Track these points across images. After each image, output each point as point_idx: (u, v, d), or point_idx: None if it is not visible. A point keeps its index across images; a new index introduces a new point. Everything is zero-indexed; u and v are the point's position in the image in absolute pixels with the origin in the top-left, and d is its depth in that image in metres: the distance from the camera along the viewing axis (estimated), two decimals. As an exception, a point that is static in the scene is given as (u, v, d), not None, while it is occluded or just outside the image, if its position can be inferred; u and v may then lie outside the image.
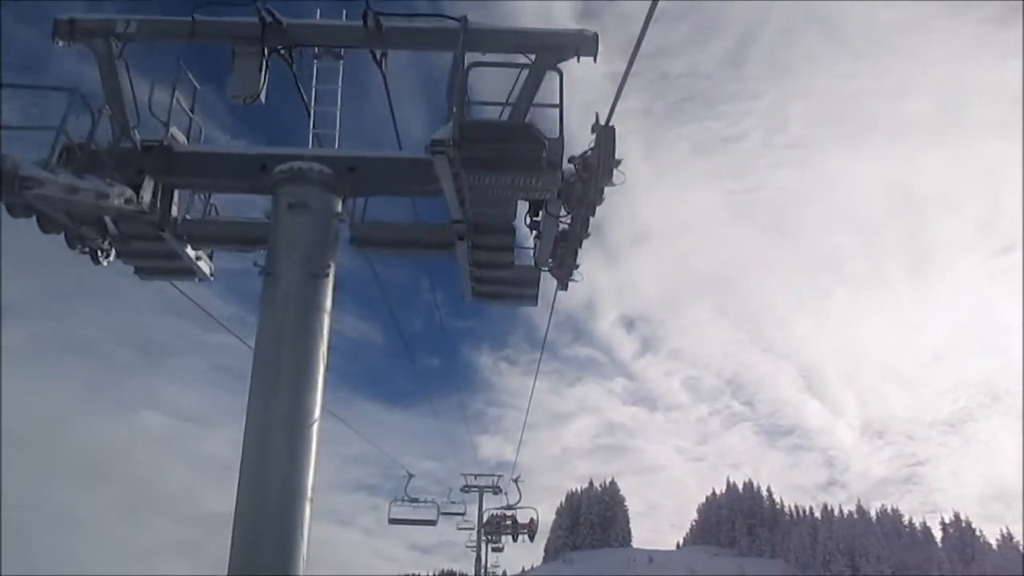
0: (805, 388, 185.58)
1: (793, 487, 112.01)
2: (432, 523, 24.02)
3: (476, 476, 33.06)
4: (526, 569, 73.46)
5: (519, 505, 26.87)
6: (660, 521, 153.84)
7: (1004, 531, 61.48)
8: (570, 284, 5.64)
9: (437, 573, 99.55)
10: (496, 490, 32.09)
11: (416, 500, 23.09)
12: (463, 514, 29.10)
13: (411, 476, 23.35)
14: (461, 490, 32.03)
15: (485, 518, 31.26)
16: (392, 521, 22.99)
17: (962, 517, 62.40)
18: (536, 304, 6.33)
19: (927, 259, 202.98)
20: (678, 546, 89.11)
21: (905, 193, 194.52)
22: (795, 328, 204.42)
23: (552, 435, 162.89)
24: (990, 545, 59.68)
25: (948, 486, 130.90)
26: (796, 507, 78.28)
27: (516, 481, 26.43)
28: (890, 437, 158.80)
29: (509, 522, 28.42)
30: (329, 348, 4.63)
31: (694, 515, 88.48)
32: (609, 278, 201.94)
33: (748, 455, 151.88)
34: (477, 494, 32.26)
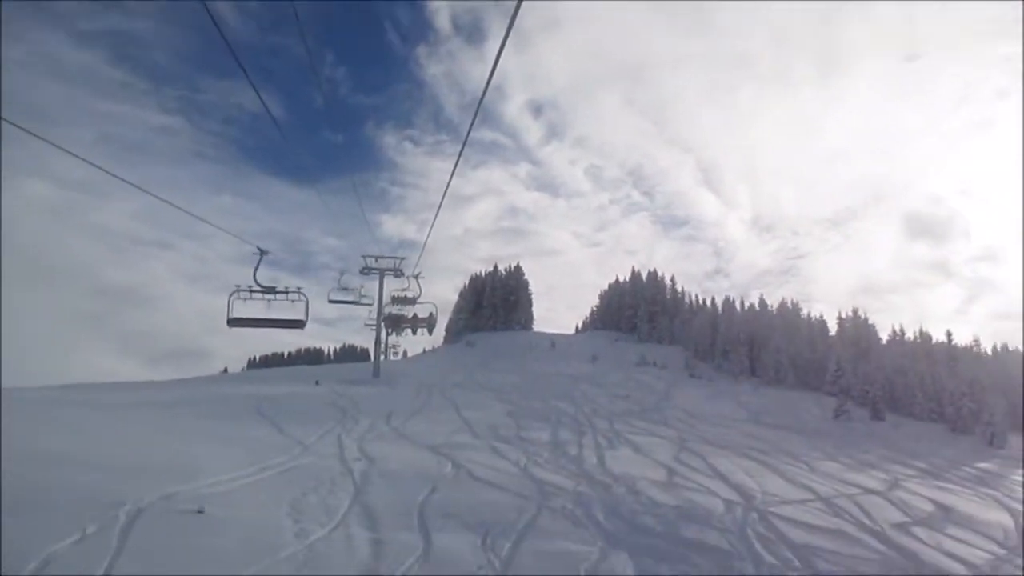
0: (703, 181, 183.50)
1: (682, 274, 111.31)
2: (356, 304, 29.74)
3: (376, 259, 33.16)
4: (427, 350, 67.14)
5: (419, 300, 26.30)
6: (557, 303, 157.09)
7: (897, 327, 55.74)
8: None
9: (340, 346, 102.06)
10: (397, 273, 32.09)
11: (346, 289, 28.12)
12: (371, 304, 32.34)
13: (343, 273, 28.51)
14: (361, 272, 32.91)
15: (386, 312, 31.65)
16: (331, 302, 27.70)
17: (860, 313, 56.48)
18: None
19: (836, 62, 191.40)
20: (577, 329, 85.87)
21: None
22: (700, 122, 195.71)
23: (455, 216, 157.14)
24: (880, 340, 54.79)
25: (823, 278, 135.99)
26: (697, 297, 73.62)
27: (416, 277, 25.70)
28: (777, 231, 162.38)
29: (409, 316, 28.49)
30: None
31: (592, 300, 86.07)
32: (519, 63, 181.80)
33: (643, 243, 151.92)
34: (378, 276, 33.37)
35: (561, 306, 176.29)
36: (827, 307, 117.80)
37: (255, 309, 13.15)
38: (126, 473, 9.50)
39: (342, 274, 28.97)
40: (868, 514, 12.82)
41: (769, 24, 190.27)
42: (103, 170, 7.75)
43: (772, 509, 11.97)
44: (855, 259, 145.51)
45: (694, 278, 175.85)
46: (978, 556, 10.72)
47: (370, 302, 31.77)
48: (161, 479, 9.36)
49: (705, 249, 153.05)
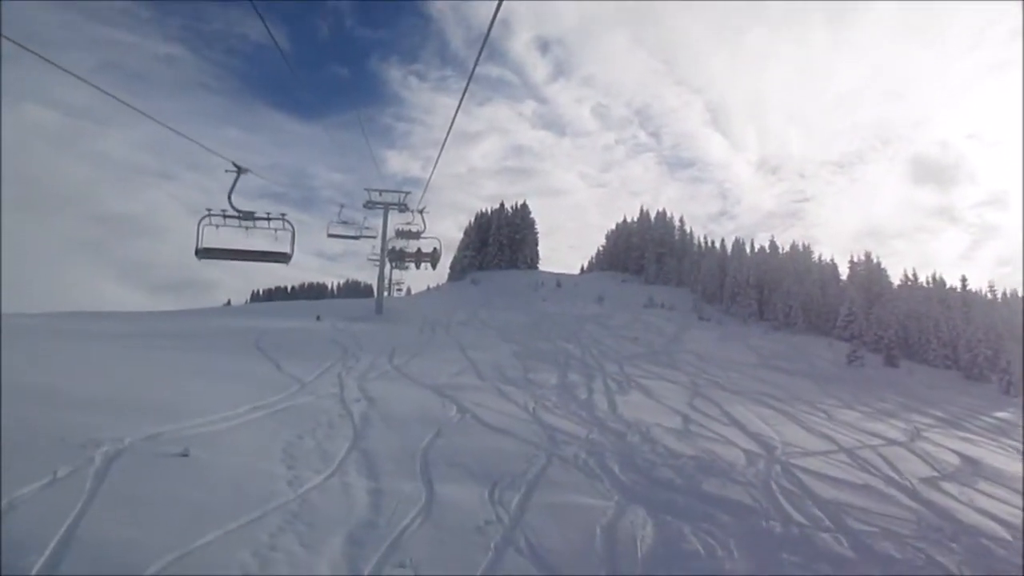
0: (711, 122, 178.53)
1: (688, 216, 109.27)
2: (357, 238, 29.49)
3: (380, 192, 32.66)
4: (431, 287, 66.90)
5: (424, 235, 26.63)
6: (560, 243, 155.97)
7: (909, 272, 54.64)
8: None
9: (343, 282, 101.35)
10: (402, 208, 31.88)
11: (346, 223, 28.21)
12: (374, 237, 31.93)
13: (342, 206, 28.50)
14: (364, 206, 32.43)
15: (390, 246, 31.59)
16: (330, 236, 28.08)
17: (873, 257, 55.31)
18: None
19: (847, 2, 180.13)
20: (582, 270, 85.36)
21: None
22: (709, 63, 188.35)
23: (459, 154, 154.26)
24: (892, 284, 53.82)
25: (829, 222, 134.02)
26: (706, 239, 72.14)
27: (421, 212, 25.80)
28: (783, 174, 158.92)
29: (413, 251, 28.18)
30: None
31: (596, 241, 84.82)
32: None
33: (649, 185, 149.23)
34: (383, 211, 33.05)
35: (564, 246, 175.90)
36: (832, 251, 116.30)
37: (233, 238, 11.20)
38: (109, 410, 8.90)
39: (342, 207, 28.84)
40: (894, 467, 12.28)
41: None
42: (111, 95, 6.89)
43: (795, 461, 11.41)
44: (860, 203, 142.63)
45: (699, 220, 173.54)
46: (1014, 514, 10.18)
47: (373, 234, 31.43)
48: (147, 417, 8.76)
49: (711, 191, 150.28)
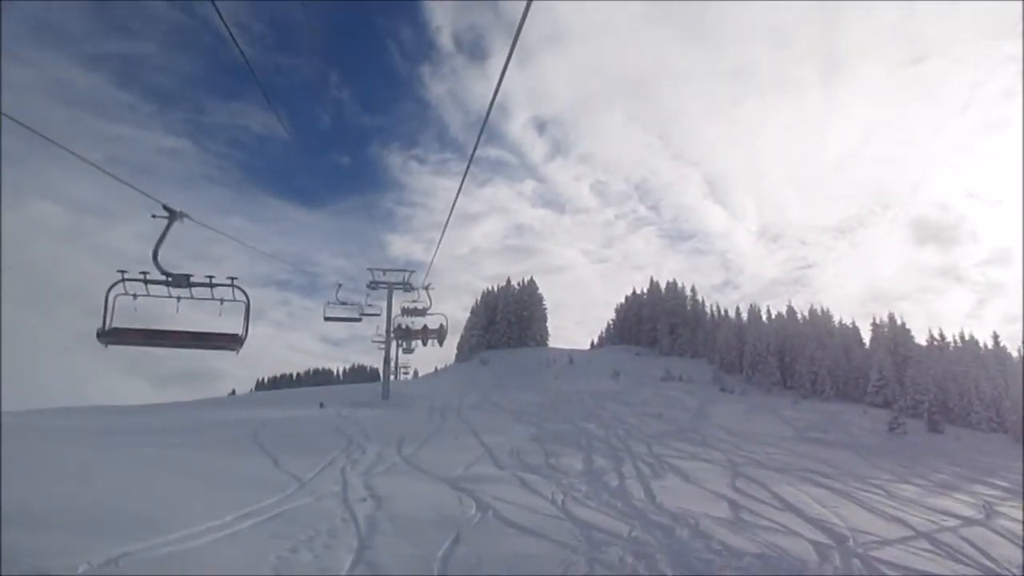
0: (709, 194, 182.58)
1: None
2: (358, 320, 27.39)
3: (384, 272, 31.86)
4: (439, 369, 65.33)
5: (429, 312, 26.68)
6: (565, 320, 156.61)
7: (936, 332, 53.11)
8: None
9: (349, 367, 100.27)
10: (407, 287, 31.12)
11: (344, 303, 26.30)
12: (379, 314, 30.49)
13: (340, 285, 26.21)
14: (368, 286, 31.17)
15: (395, 323, 30.72)
16: (327, 319, 26.23)
17: (896, 317, 54.13)
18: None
19: (838, 66, 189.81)
20: (592, 345, 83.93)
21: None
22: (704, 135, 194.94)
23: (461, 235, 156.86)
24: (920, 345, 52.15)
25: (833, 287, 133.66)
26: (718, 307, 71.19)
27: (427, 288, 26.06)
28: (784, 241, 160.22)
29: (419, 328, 28.03)
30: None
31: (600, 317, 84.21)
32: (522, 79, 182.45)
33: (651, 258, 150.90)
34: (386, 291, 32.17)
35: (570, 323, 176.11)
36: (839, 316, 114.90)
37: (163, 312, 8.19)
38: (73, 527, 7.66)
39: (339, 286, 26.74)
40: (986, 554, 10.64)
41: (769, 31, 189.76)
42: (127, 183, 6.51)
43: (874, 553, 9.84)
44: (864, 267, 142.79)
45: (703, 291, 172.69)
46: None
47: (377, 312, 29.97)
48: (115, 534, 7.50)
49: (713, 261, 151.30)
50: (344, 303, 26.51)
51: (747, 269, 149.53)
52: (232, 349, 8.19)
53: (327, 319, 26.33)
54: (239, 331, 8.10)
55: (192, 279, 7.97)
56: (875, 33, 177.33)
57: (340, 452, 16.89)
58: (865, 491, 16.62)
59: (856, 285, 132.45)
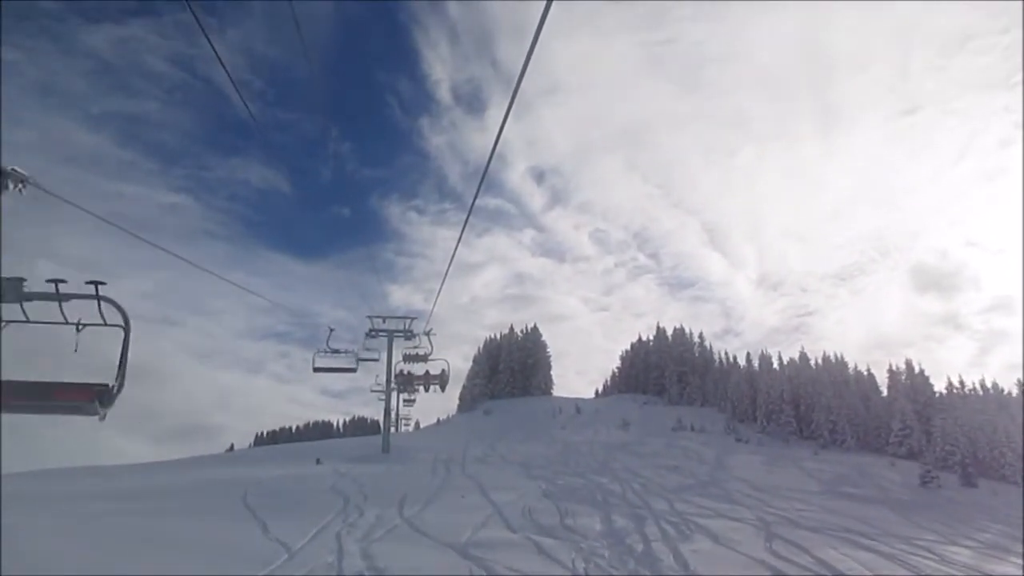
0: (708, 242, 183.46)
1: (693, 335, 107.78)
2: (352, 371, 24.63)
3: (384, 319, 30.56)
4: (440, 420, 63.65)
5: (431, 358, 26.00)
6: (567, 369, 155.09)
7: (957, 379, 51.74)
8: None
9: (349, 419, 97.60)
10: (408, 335, 29.67)
11: (337, 351, 23.56)
12: (377, 359, 29.04)
13: (332, 330, 23.42)
14: (367, 334, 29.99)
15: (396, 369, 30.07)
16: (316, 370, 23.62)
17: (914, 364, 52.79)
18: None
19: (834, 117, 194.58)
20: (597, 394, 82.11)
21: (816, 49, 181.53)
22: (703, 183, 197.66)
23: (462, 285, 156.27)
24: (940, 393, 50.74)
25: (834, 335, 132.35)
26: (726, 354, 69.60)
27: (428, 334, 25.43)
28: (785, 289, 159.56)
29: (421, 374, 27.36)
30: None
31: (605, 364, 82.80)
32: (520, 129, 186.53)
33: (651, 306, 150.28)
34: (386, 339, 30.69)
35: (571, 372, 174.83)
36: (852, 363, 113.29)
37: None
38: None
39: (331, 331, 23.44)
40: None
41: (764, 83, 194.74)
42: (137, 235, 6.36)
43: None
44: (864, 315, 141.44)
45: (704, 339, 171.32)
46: None
47: (375, 357, 28.38)
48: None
49: (713, 309, 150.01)
50: (337, 351, 23.46)
51: (748, 316, 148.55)
52: (90, 413, 4.54)
53: (316, 370, 23.53)
54: (109, 380, 4.64)
55: (26, 286, 4.71)
56: (869, 85, 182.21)
57: (336, 515, 15.50)
58: (914, 554, 15.13)
59: (858, 332, 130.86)
